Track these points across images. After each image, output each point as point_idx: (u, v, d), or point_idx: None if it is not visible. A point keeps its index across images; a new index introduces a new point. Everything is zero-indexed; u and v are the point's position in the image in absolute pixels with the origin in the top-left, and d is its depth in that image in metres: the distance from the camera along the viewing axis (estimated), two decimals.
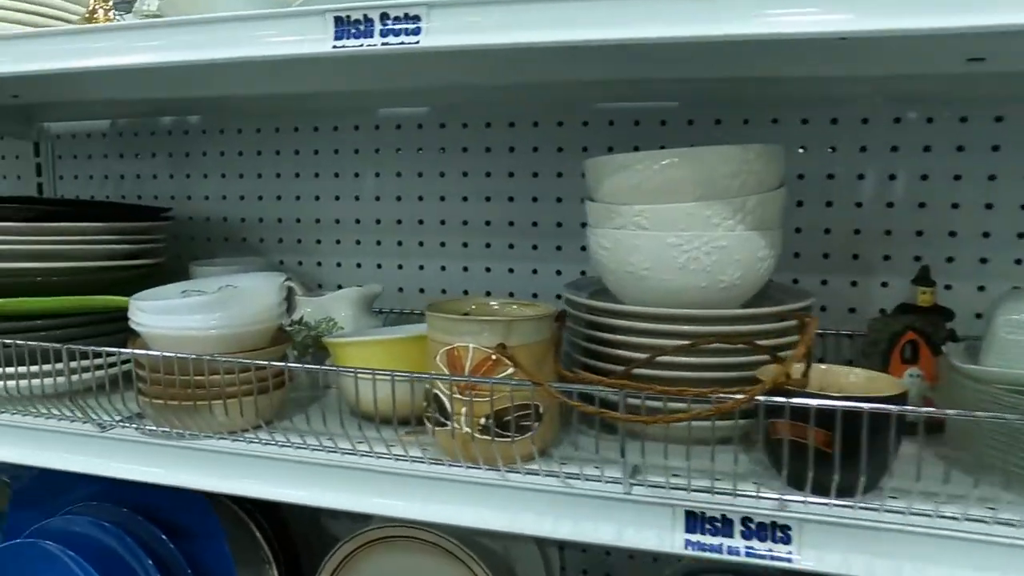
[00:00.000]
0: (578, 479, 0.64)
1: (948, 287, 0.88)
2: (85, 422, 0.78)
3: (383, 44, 0.62)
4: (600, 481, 0.63)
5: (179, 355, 0.71)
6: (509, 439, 0.66)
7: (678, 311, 0.70)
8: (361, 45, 0.63)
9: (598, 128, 0.98)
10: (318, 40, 0.64)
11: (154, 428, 0.75)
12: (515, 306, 0.76)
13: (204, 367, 0.70)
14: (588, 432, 0.74)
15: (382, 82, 0.90)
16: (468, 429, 0.66)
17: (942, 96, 0.86)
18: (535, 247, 1.03)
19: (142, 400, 0.75)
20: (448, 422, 0.67)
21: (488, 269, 1.06)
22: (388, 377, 0.66)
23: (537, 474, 0.65)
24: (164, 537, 0.90)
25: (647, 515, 0.61)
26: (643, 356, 0.71)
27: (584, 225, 0.99)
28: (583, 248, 1.00)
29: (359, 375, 0.67)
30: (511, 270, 1.05)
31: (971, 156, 0.87)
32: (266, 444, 0.72)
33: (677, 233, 0.70)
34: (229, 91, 0.97)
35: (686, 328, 0.70)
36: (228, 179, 1.16)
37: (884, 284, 0.91)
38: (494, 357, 0.66)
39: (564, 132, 1.00)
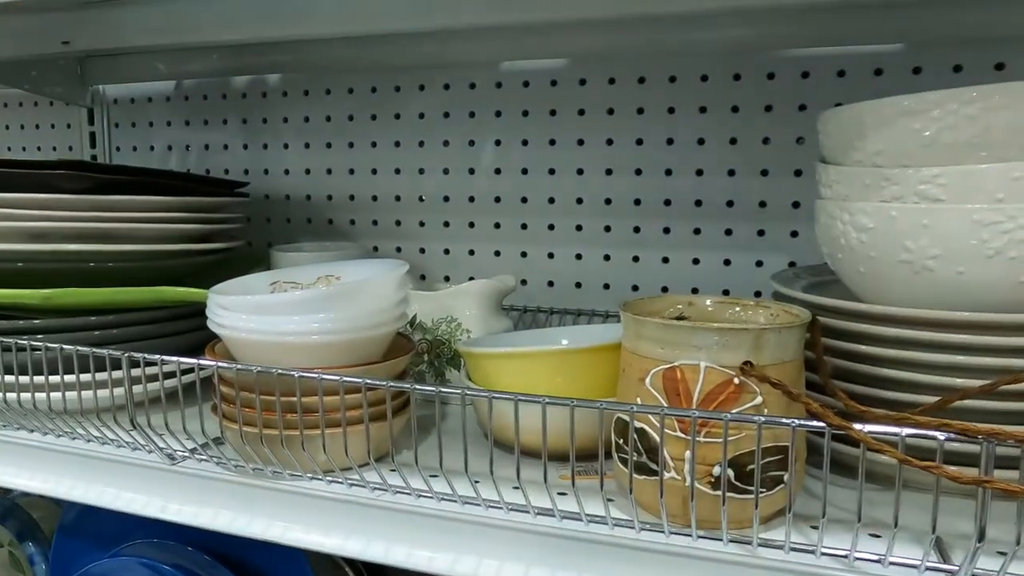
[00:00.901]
0: (873, 561, 0.43)
1: None
2: (150, 451, 0.58)
3: None
4: (917, 569, 0.42)
5: (282, 370, 0.51)
6: (752, 495, 0.45)
7: (1017, 317, 0.48)
8: None
9: (787, 81, 0.77)
10: None
11: (240, 463, 0.55)
12: (738, 308, 0.55)
13: (318, 386, 0.50)
14: (817, 476, 0.53)
15: (507, 13, 0.70)
16: (691, 481, 0.46)
17: None
18: (697, 231, 0.82)
19: (226, 426, 0.56)
20: (659, 469, 0.46)
21: (636, 259, 0.85)
22: (594, 407, 0.45)
23: (807, 552, 0.44)
24: None
25: None
26: (951, 381, 0.49)
27: (796, 205, 0.78)
28: (794, 234, 0.78)
29: (547, 403, 0.46)
30: (665, 259, 0.83)
31: None
32: (395, 492, 0.52)
33: (995, 205, 0.48)
34: (316, 30, 0.77)
35: (1014, 341, 0.48)
36: (313, 150, 0.97)
37: None
38: (737, 381, 0.45)
39: (741, 88, 0.78)
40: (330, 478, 0.53)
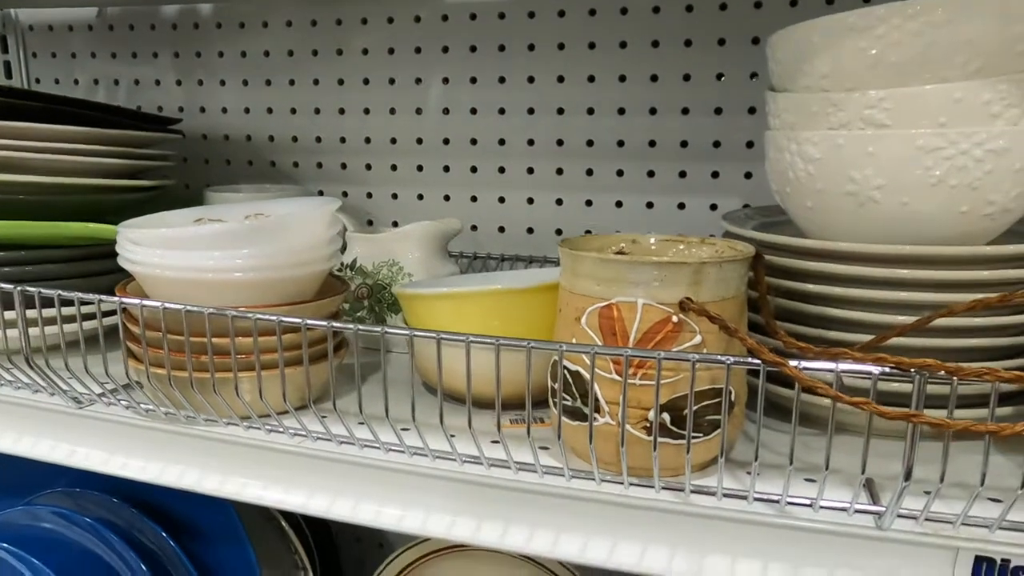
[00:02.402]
0: (803, 506, 0.41)
1: None
2: (53, 393, 0.54)
3: None
4: (846, 511, 0.40)
5: (191, 307, 0.48)
6: (688, 439, 0.42)
7: (960, 249, 0.46)
8: None
9: (740, 12, 0.73)
10: None
11: (151, 406, 0.52)
12: (682, 245, 0.52)
13: (229, 325, 0.47)
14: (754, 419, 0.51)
15: None
16: (623, 426, 0.43)
17: None
18: (651, 174, 0.79)
19: (135, 368, 0.52)
20: (589, 412, 0.44)
21: (589, 203, 0.81)
22: (523, 346, 0.42)
23: (739, 498, 0.42)
24: (165, 535, 0.68)
25: (916, 560, 0.38)
26: (895, 320, 0.47)
27: (749, 144, 0.75)
28: (748, 175, 0.76)
29: (472, 342, 0.43)
30: (619, 204, 0.80)
31: None
32: (316, 439, 0.49)
33: (938, 130, 0.46)
34: None
35: (958, 275, 0.46)
36: (252, 87, 0.92)
37: None
38: (675, 319, 0.43)
39: (694, 20, 0.75)
40: (247, 423, 0.50)
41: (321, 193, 0.92)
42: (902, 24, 0.45)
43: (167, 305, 0.48)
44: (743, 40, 0.73)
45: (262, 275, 0.53)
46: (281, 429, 0.49)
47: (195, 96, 0.94)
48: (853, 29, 0.47)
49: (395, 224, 0.89)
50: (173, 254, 0.52)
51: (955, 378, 0.33)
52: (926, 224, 0.48)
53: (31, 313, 0.52)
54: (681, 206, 0.78)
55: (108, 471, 0.52)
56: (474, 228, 0.86)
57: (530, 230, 0.85)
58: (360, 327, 0.45)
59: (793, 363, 0.37)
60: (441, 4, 0.82)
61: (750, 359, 0.38)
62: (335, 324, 0.46)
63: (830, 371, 0.36)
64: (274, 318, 0.46)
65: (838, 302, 0.49)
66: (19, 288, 0.49)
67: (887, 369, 0.35)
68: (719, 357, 0.39)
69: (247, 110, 0.92)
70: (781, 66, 0.53)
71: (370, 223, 0.90)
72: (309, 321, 0.46)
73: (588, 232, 0.82)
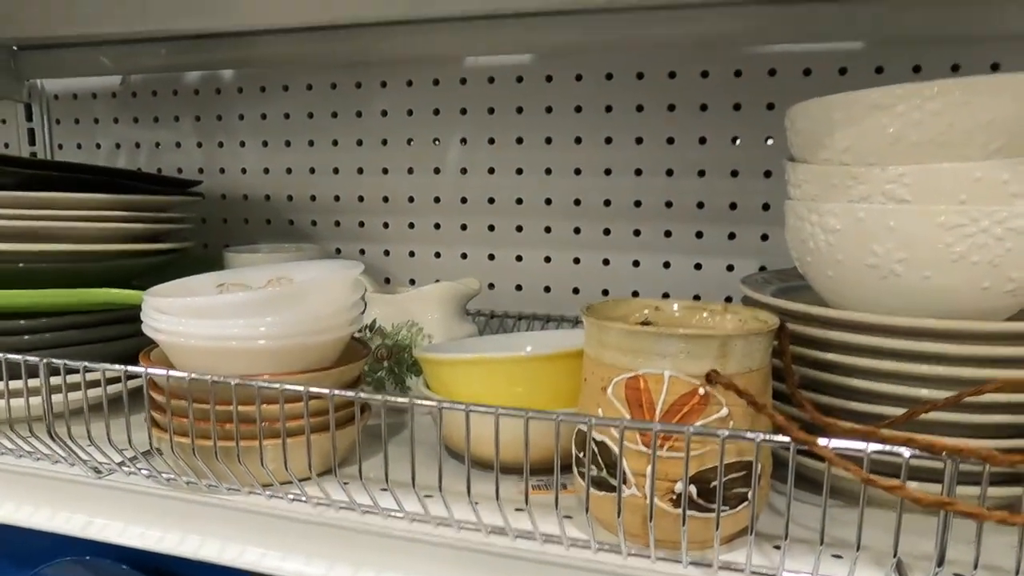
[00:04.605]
0: None
1: None
2: (73, 464, 0.54)
3: None
4: None
5: (217, 378, 0.48)
6: (717, 513, 0.42)
7: (984, 325, 0.46)
8: None
9: (755, 78, 0.74)
10: None
11: (172, 475, 0.52)
12: (705, 313, 0.52)
13: (255, 395, 0.47)
14: (783, 491, 0.50)
15: (472, 3, 0.68)
16: (654, 498, 0.43)
17: None
18: (667, 234, 0.79)
19: (158, 436, 0.52)
20: (618, 484, 0.43)
21: (606, 262, 0.82)
22: (551, 419, 0.42)
23: (764, 575, 0.41)
24: None
25: None
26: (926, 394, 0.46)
27: (766, 207, 0.76)
28: (764, 237, 0.76)
29: (500, 414, 0.43)
30: (635, 263, 0.81)
31: None
32: (339, 509, 0.48)
33: (959, 207, 0.46)
34: (267, 20, 0.74)
35: (983, 351, 0.46)
36: (272, 148, 0.93)
37: None
38: (702, 391, 0.43)
39: (709, 85, 0.76)
40: (270, 492, 0.50)
41: (339, 251, 0.92)
42: (922, 104, 0.45)
43: (193, 375, 0.48)
44: (758, 105, 0.74)
45: (286, 342, 0.53)
46: (304, 498, 0.49)
47: (215, 158, 0.96)
48: (874, 107, 0.48)
49: (412, 282, 0.90)
50: (198, 323, 0.52)
51: (987, 464, 0.33)
52: (948, 298, 0.48)
53: (53, 381, 0.52)
54: (698, 266, 0.79)
55: (125, 542, 0.51)
56: (491, 286, 0.86)
57: (547, 288, 0.85)
58: (388, 397, 0.45)
59: (822, 442, 0.36)
60: (460, 68, 0.84)
61: (779, 437, 0.38)
62: (362, 395, 0.46)
63: (860, 452, 0.36)
64: (301, 388, 0.46)
65: (862, 373, 0.49)
66: (45, 360, 0.49)
67: (918, 452, 0.35)
68: (748, 434, 0.39)
69: (266, 170, 0.94)
70: (801, 137, 0.53)
71: (387, 281, 0.91)
72: (337, 392, 0.46)
73: (605, 292, 0.82)
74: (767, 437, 0.38)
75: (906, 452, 0.35)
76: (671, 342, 0.43)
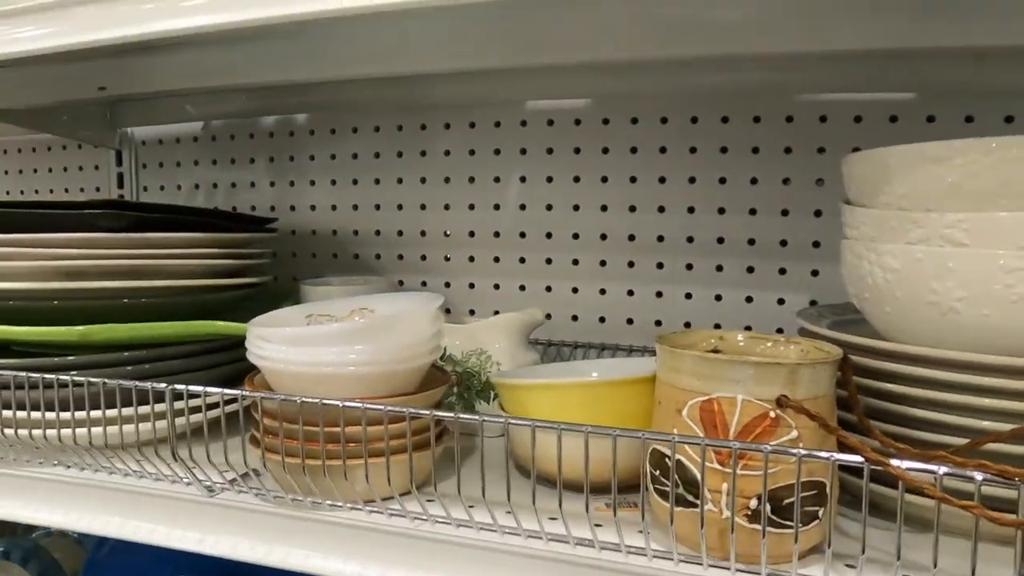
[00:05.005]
0: None
1: None
2: (188, 483, 0.59)
3: None
4: None
5: (327, 401, 0.52)
6: (789, 530, 0.46)
7: None
8: None
9: (806, 124, 0.79)
10: None
11: (279, 493, 0.56)
12: (769, 343, 0.56)
13: (361, 416, 0.52)
14: (846, 515, 0.54)
15: (533, 56, 0.73)
16: (729, 513, 0.46)
17: None
18: (719, 268, 0.83)
19: (268, 457, 0.57)
20: (700, 501, 0.47)
21: (659, 294, 0.86)
22: (638, 436, 0.46)
23: None
24: None
25: None
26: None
27: (816, 244, 0.80)
28: (814, 273, 0.80)
29: (590, 433, 0.47)
30: (688, 295, 0.85)
31: None
32: (435, 522, 0.53)
33: (1015, 252, 0.49)
34: (344, 72, 0.80)
35: None
36: (339, 186, 0.99)
37: None
38: (773, 414, 0.47)
39: (760, 130, 0.80)
40: (370, 508, 0.54)
41: (401, 283, 0.97)
42: (980, 159, 0.49)
43: (304, 399, 0.52)
44: (809, 149, 0.78)
45: (374, 368, 0.58)
46: (403, 513, 0.53)
47: (286, 196, 1.02)
48: (932, 160, 0.51)
49: (472, 312, 0.94)
50: (297, 350, 0.57)
51: None
52: (1008, 336, 0.51)
53: (159, 407, 0.57)
54: (749, 299, 0.82)
55: (236, 556, 0.56)
56: (548, 316, 0.91)
57: (602, 319, 0.89)
58: (487, 417, 0.49)
59: (895, 462, 0.40)
60: (520, 110, 0.89)
61: (852, 456, 0.42)
62: (463, 416, 0.51)
63: (932, 473, 0.39)
64: (404, 410, 0.51)
65: (924, 403, 0.52)
66: (170, 388, 0.54)
67: (990, 476, 0.38)
68: (822, 454, 0.43)
69: (334, 207, 0.99)
70: (858, 184, 0.57)
71: (448, 311, 0.96)
72: (437, 413, 0.51)
73: (658, 323, 0.86)
74: (840, 456, 0.42)
75: (978, 476, 0.39)
76: (743, 368, 0.47)
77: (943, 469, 0.39)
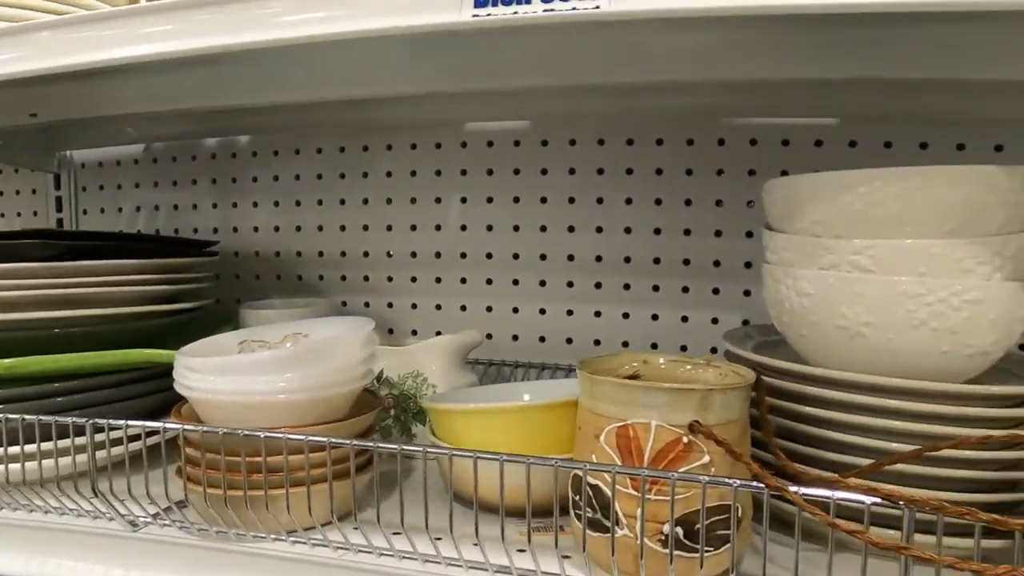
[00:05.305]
0: None
1: None
2: (111, 518, 0.59)
3: (547, 11, 0.45)
4: None
5: (248, 432, 0.52)
6: (700, 553, 0.47)
7: (950, 387, 0.51)
8: (515, 13, 0.46)
9: (737, 147, 0.81)
10: (451, 6, 0.47)
11: (203, 526, 0.56)
12: (689, 366, 0.57)
13: (283, 446, 0.52)
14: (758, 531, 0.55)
15: (474, 81, 0.74)
16: (644, 538, 0.47)
17: None
18: (655, 288, 0.85)
19: (191, 488, 0.57)
20: (611, 525, 0.48)
21: (598, 314, 0.87)
22: (548, 464, 0.47)
23: None
24: None
25: None
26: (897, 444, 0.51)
27: (748, 265, 0.82)
28: (747, 293, 0.82)
29: (505, 460, 0.48)
30: (625, 315, 0.86)
31: None
32: (357, 552, 0.53)
33: (918, 279, 0.51)
34: (286, 97, 0.80)
35: (945, 409, 0.51)
36: (282, 208, 0.99)
37: None
38: (686, 439, 0.48)
39: (694, 152, 0.82)
40: (293, 538, 0.54)
41: (345, 303, 0.97)
42: (883, 187, 0.51)
43: (226, 430, 0.52)
44: (740, 172, 0.80)
45: (304, 396, 0.58)
46: (325, 543, 0.53)
47: (229, 217, 1.01)
48: (840, 187, 0.53)
49: (414, 332, 0.95)
50: (226, 379, 0.57)
51: (940, 515, 0.38)
52: (912, 359, 0.53)
53: (80, 441, 0.56)
54: (684, 319, 0.84)
55: None
56: (489, 336, 0.91)
57: (542, 339, 0.90)
58: (404, 447, 0.50)
59: (793, 489, 0.41)
60: (461, 132, 0.90)
61: (754, 483, 0.43)
62: (381, 445, 0.51)
63: (827, 499, 0.41)
64: (325, 439, 0.51)
65: (834, 425, 0.54)
66: (91, 422, 0.54)
67: (879, 500, 0.39)
68: (727, 480, 0.44)
69: (277, 228, 0.99)
70: (777, 208, 0.59)
71: (390, 331, 0.96)
72: (357, 443, 0.51)
73: (597, 342, 0.87)
74: (743, 482, 0.43)
75: (868, 500, 0.40)
76: (657, 395, 0.48)
77: (836, 494, 0.40)
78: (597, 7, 0.44)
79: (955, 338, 0.52)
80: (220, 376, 0.58)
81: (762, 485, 0.43)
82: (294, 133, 0.97)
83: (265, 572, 0.54)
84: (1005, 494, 0.52)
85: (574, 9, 0.45)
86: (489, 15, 0.46)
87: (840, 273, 0.54)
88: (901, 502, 0.39)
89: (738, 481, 0.43)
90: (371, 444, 0.51)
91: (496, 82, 0.75)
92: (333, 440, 0.52)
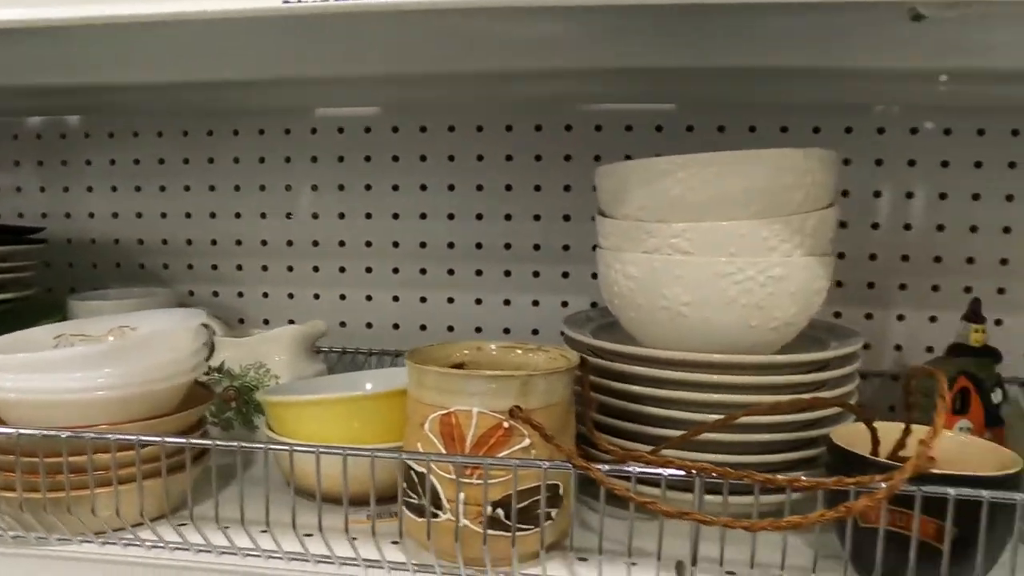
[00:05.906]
0: None
1: (999, 322, 0.76)
2: None
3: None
4: None
5: (47, 432, 0.49)
6: (528, 530, 0.48)
7: (751, 358, 0.54)
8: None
9: (583, 134, 0.82)
10: None
11: (2, 529, 0.52)
12: (520, 351, 0.58)
13: (86, 447, 0.49)
14: (594, 507, 0.56)
15: (321, 67, 0.72)
16: (467, 521, 0.48)
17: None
18: (507, 273, 0.85)
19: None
20: (427, 510, 0.48)
21: (451, 300, 0.87)
22: (367, 454, 0.47)
23: None
24: None
25: None
26: (703, 418, 0.54)
27: (596, 248, 0.83)
28: (595, 276, 0.83)
29: (321, 452, 0.47)
30: (478, 301, 0.86)
31: None
32: (173, 549, 0.51)
33: (729, 258, 0.54)
34: (120, 78, 0.76)
35: (754, 379, 0.54)
36: (121, 193, 0.93)
37: (933, 319, 0.78)
38: (506, 425, 0.48)
39: (542, 138, 0.83)
40: (103, 540, 0.52)
41: (192, 293, 0.93)
42: (698, 172, 0.53)
43: (22, 431, 0.49)
44: (587, 157, 0.82)
45: (125, 392, 0.55)
46: (138, 543, 0.51)
47: (61, 203, 0.95)
48: (660, 172, 0.55)
49: (266, 322, 0.92)
50: (35, 377, 0.54)
51: (725, 479, 0.40)
52: (727, 335, 0.56)
53: None
54: (535, 303, 0.85)
55: None
56: (343, 324, 0.90)
57: (396, 326, 0.89)
58: (243, 445, 0.48)
59: (598, 467, 0.42)
60: (311, 118, 0.88)
61: (563, 463, 0.44)
62: (193, 441, 0.49)
63: (628, 473, 0.42)
64: (133, 438, 0.49)
65: (652, 401, 0.56)
66: None
67: (674, 472, 0.41)
68: (537, 462, 0.45)
69: (115, 215, 0.94)
70: (607, 195, 0.60)
71: (241, 321, 0.93)
72: (170, 440, 0.49)
73: (451, 328, 0.87)
74: (552, 464, 0.44)
75: (664, 472, 0.42)
76: (478, 382, 0.48)
77: (637, 469, 0.42)
78: None
79: (761, 312, 0.55)
80: (29, 374, 0.54)
81: (569, 465, 0.44)
82: (131, 115, 0.91)
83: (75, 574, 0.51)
84: (807, 451, 0.55)
85: None
86: (300, 2, 0.45)
87: (662, 256, 0.56)
88: (694, 471, 0.41)
89: (547, 463, 0.44)
90: (183, 440, 0.49)
91: (343, 68, 0.73)
92: (142, 438, 0.49)
